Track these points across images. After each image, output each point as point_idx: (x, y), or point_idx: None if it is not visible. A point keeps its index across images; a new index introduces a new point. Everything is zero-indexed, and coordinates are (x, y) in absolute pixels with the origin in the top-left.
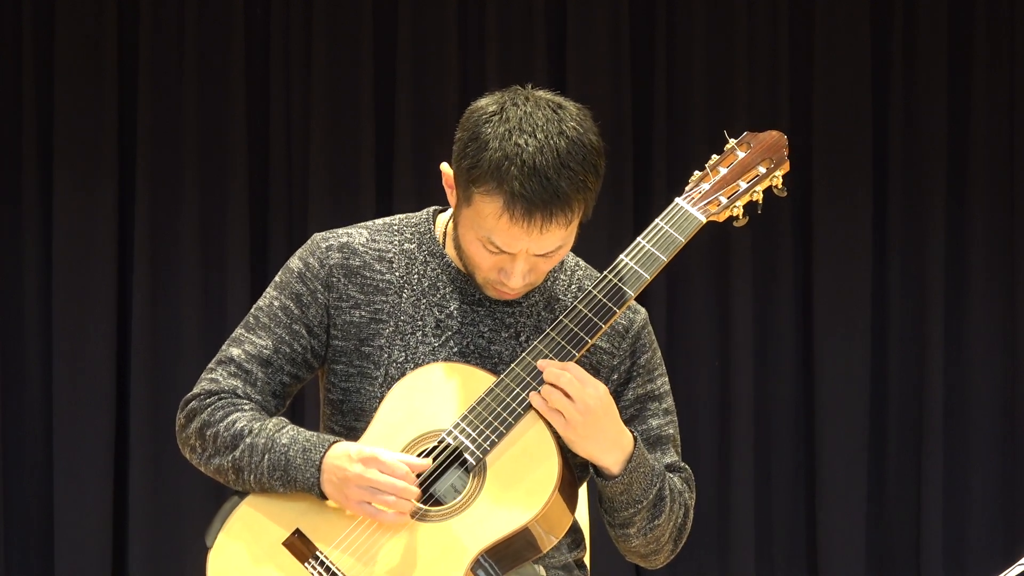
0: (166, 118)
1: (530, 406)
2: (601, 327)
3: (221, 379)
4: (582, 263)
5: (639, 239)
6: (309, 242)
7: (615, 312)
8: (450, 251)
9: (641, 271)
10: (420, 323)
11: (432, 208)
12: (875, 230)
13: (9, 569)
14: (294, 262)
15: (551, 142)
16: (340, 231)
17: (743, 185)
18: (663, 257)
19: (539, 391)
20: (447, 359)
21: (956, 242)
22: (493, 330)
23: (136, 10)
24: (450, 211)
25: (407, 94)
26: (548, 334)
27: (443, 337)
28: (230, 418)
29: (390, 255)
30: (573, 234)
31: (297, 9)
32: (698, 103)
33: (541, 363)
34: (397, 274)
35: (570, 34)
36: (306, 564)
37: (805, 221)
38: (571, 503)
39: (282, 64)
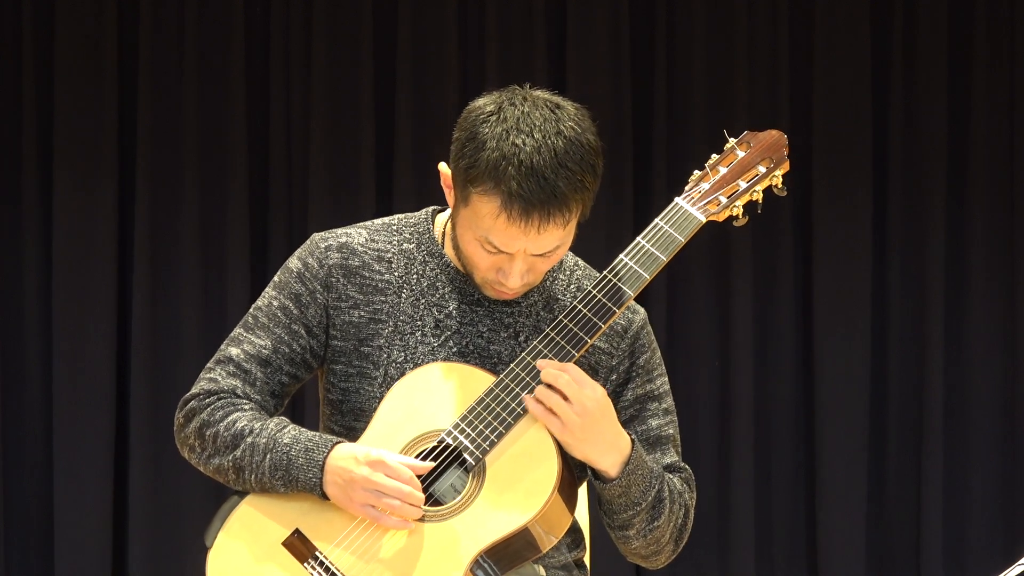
0: (166, 118)
1: None
2: (600, 327)
3: (220, 379)
4: (581, 263)
5: (639, 239)
6: (308, 242)
7: (614, 312)
8: (449, 251)
9: (640, 271)
10: (419, 323)
11: (431, 208)
12: (875, 230)
13: (9, 569)
14: (293, 262)
15: (549, 142)
16: (339, 231)
17: (743, 184)
18: (663, 257)
19: (534, 395)
20: (446, 359)
21: (956, 242)
22: (492, 330)
23: (136, 10)
24: (449, 211)
25: (407, 94)
26: (547, 334)
27: (442, 337)
28: (230, 418)
29: (389, 255)
30: (571, 234)
31: (297, 9)
32: (698, 103)
33: (539, 363)
34: (396, 274)
35: (570, 34)
36: (306, 564)
37: (805, 221)
38: (571, 503)
39: (282, 64)
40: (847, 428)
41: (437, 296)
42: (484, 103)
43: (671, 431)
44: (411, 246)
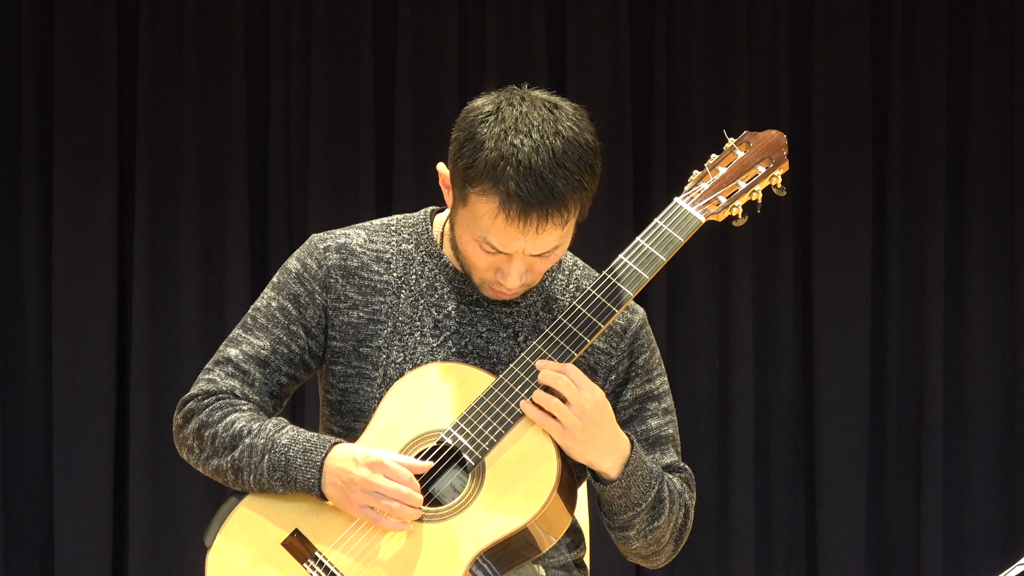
0: (166, 118)
1: None
2: (600, 327)
3: (219, 379)
4: (580, 262)
5: (638, 239)
6: (307, 243)
7: (614, 312)
8: (447, 251)
9: (640, 271)
10: (418, 323)
11: (430, 208)
12: (875, 230)
13: (9, 569)
14: (292, 263)
15: (547, 142)
16: (338, 232)
17: (742, 184)
18: (662, 257)
19: (531, 399)
20: (445, 359)
21: (956, 242)
22: (491, 330)
23: (136, 10)
24: (447, 211)
25: (407, 94)
26: (547, 334)
27: (441, 337)
28: (229, 419)
29: (388, 256)
30: (570, 234)
31: (297, 9)
32: (698, 103)
33: (538, 364)
34: (395, 275)
35: (570, 34)
36: (305, 564)
37: (805, 221)
38: (570, 503)
39: (282, 64)
40: (847, 428)
41: (436, 296)
42: (482, 103)
43: (671, 431)
44: (410, 246)
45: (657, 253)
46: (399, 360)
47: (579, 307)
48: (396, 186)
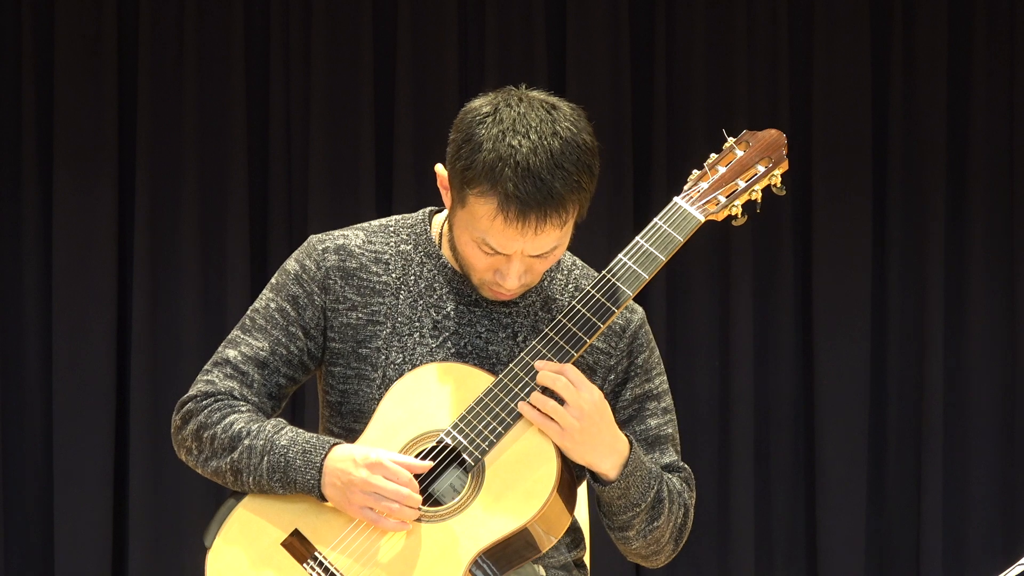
0: (166, 118)
1: None
2: (599, 327)
3: (217, 381)
4: (579, 262)
5: (637, 238)
6: (305, 244)
7: (613, 312)
8: (446, 252)
9: (639, 271)
10: (417, 324)
11: (428, 209)
12: (875, 230)
13: (9, 569)
14: (290, 264)
15: (545, 143)
16: (336, 233)
17: (742, 184)
18: (661, 257)
19: (528, 400)
20: (444, 360)
21: (956, 242)
22: (490, 330)
23: (136, 10)
24: (446, 211)
25: (407, 94)
26: (546, 334)
27: (440, 338)
28: (227, 420)
29: (386, 257)
30: (568, 234)
31: (297, 9)
32: (698, 103)
33: (537, 364)
34: (394, 276)
35: (570, 34)
36: (304, 565)
37: (805, 221)
38: (570, 503)
39: (282, 64)
40: (847, 428)
41: (435, 297)
42: (480, 104)
43: (670, 430)
44: (408, 247)
45: (656, 253)
46: (398, 361)
47: (578, 307)
48: (396, 186)
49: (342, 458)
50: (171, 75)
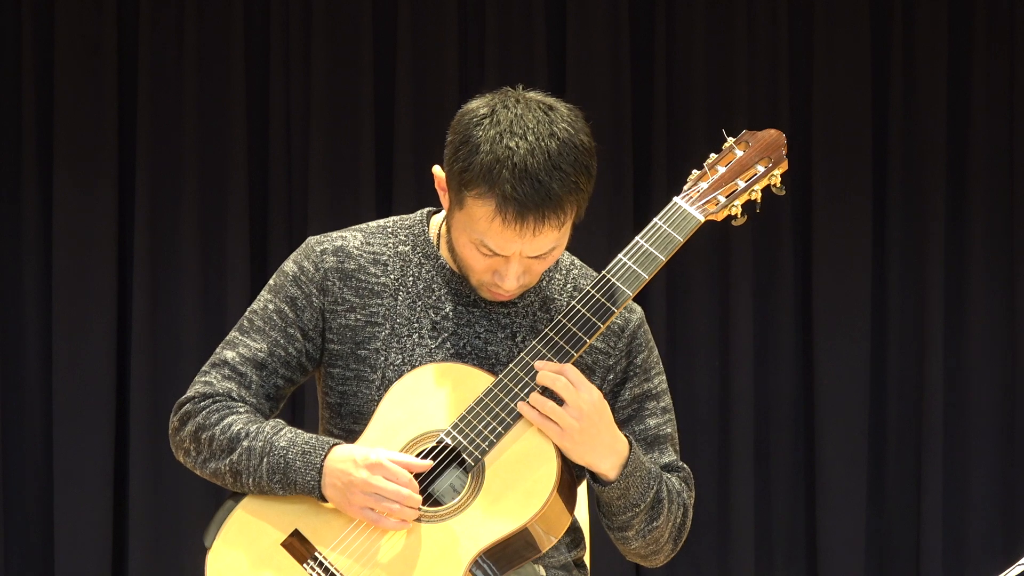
0: (166, 118)
1: None
2: (599, 327)
3: (215, 382)
4: (577, 262)
5: (637, 238)
6: (304, 245)
7: (613, 312)
8: (444, 253)
9: (639, 271)
10: (416, 325)
11: (426, 209)
12: (875, 230)
13: (9, 569)
14: (288, 265)
15: (542, 144)
16: (334, 234)
17: (741, 184)
18: (661, 257)
19: (528, 401)
20: (444, 361)
21: (956, 242)
22: (489, 331)
23: (136, 10)
24: (444, 212)
25: (407, 94)
26: (546, 334)
27: (439, 339)
28: (225, 421)
29: (385, 258)
30: (567, 235)
31: (297, 9)
32: (698, 103)
33: (537, 364)
34: (392, 277)
35: (570, 34)
36: (304, 565)
37: (805, 221)
38: (570, 503)
39: (282, 64)
40: (847, 428)
41: (433, 298)
42: (477, 105)
43: (669, 430)
44: (407, 248)
45: (656, 253)
46: (397, 362)
47: (578, 307)
48: (396, 186)
49: (342, 459)
50: (171, 75)
